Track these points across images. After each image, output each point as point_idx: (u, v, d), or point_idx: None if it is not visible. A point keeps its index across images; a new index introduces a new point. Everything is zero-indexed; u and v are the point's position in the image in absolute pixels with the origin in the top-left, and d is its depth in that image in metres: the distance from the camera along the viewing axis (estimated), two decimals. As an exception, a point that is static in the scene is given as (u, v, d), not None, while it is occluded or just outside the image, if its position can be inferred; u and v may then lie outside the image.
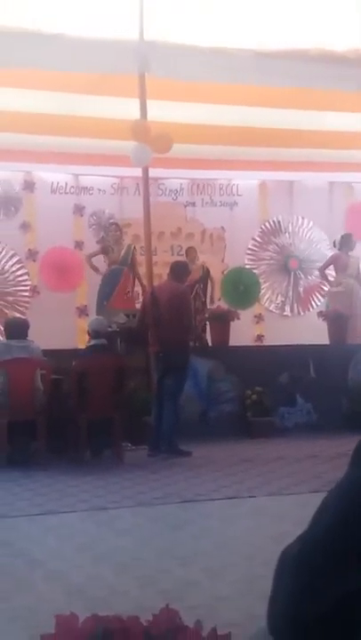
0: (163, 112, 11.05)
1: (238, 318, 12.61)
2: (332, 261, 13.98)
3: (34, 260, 14.05)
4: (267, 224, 15.49)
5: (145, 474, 8.95)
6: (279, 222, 15.53)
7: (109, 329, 10.63)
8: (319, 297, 15.32)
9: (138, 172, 11.50)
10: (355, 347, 12.70)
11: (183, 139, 11.48)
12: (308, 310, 15.32)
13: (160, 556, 5.63)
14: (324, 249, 15.06)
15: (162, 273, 12.11)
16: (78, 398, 9.62)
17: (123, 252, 13.09)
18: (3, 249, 13.87)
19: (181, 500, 7.52)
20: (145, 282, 12.00)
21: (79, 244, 14.22)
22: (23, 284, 13.99)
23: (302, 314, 15.43)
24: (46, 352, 10.05)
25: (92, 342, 10.12)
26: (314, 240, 15.54)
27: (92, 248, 13.92)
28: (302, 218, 15.58)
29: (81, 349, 11.19)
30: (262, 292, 15.00)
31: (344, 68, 11.33)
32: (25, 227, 14.02)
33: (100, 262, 13.34)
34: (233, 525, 6.63)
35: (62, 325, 13.27)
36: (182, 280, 10.65)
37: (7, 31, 10.11)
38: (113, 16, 10.57)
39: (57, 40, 10.30)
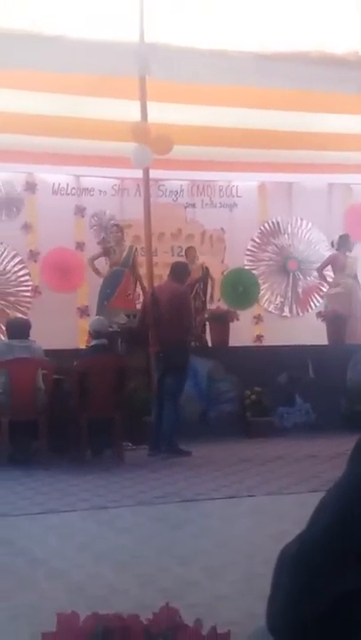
0: (163, 114, 11.06)
1: (238, 319, 12.63)
2: (330, 261, 14.01)
3: (35, 261, 14.07)
4: (266, 225, 15.50)
5: (145, 473, 8.95)
6: (278, 223, 15.55)
7: (110, 329, 10.64)
8: (318, 298, 15.31)
9: (138, 173, 11.50)
10: (353, 347, 12.72)
11: (183, 140, 11.50)
12: (307, 311, 15.33)
13: (160, 554, 5.62)
14: (322, 250, 15.06)
15: (162, 274, 12.11)
16: (79, 398, 9.62)
17: (124, 253, 13.09)
18: (4, 249, 13.88)
19: (181, 499, 7.53)
20: (145, 283, 11.99)
21: (80, 245, 14.25)
22: (25, 284, 14.01)
23: (301, 314, 15.44)
24: (48, 352, 10.05)
25: (93, 342, 10.14)
26: (313, 241, 15.55)
27: (93, 249, 13.94)
28: (301, 219, 15.59)
29: (82, 349, 11.27)
30: (261, 292, 15.02)
31: (344, 70, 11.36)
32: (26, 227, 14.04)
33: (102, 264, 13.35)
34: (232, 524, 6.63)
35: (63, 325, 13.29)
36: (182, 281, 10.66)
37: (8, 33, 10.14)
38: (113, 18, 10.60)
39: (58, 42, 10.33)
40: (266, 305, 15.43)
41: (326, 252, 14.63)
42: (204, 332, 12.84)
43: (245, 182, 15.18)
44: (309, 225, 15.60)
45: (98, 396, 9.65)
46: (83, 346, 11.88)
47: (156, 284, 11.24)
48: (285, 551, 1.44)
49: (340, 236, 13.96)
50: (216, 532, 6.38)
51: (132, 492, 7.85)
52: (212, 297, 13.77)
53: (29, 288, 14.04)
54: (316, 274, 14.67)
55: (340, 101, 11.86)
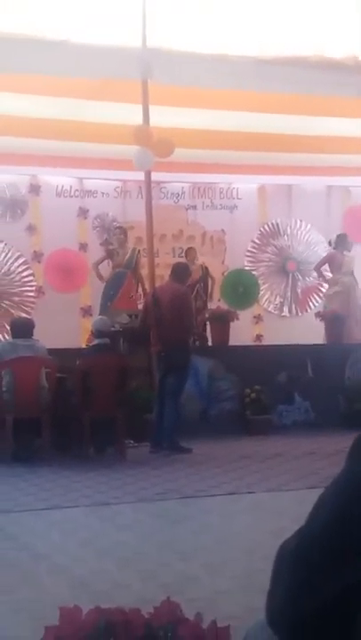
0: (165, 117, 11.08)
1: (238, 319, 12.66)
2: (328, 260, 14.04)
3: (39, 262, 14.11)
4: (266, 227, 15.55)
5: (147, 470, 8.94)
6: (278, 225, 15.60)
7: (113, 329, 10.67)
8: (317, 298, 15.35)
9: (140, 175, 11.54)
10: (352, 346, 12.74)
11: (184, 143, 11.53)
12: (306, 311, 15.37)
13: (161, 550, 5.64)
14: (321, 251, 15.08)
15: (163, 274, 12.12)
16: (82, 396, 9.64)
17: (127, 255, 13.12)
18: (9, 251, 13.93)
19: (182, 495, 7.54)
20: (147, 285, 12.01)
21: (83, 246, 14.31)
22: (29, 284, 14.06)
23: (300, 314, 15.48)
24: (51, 351, 10.05)
25: (96, 342, 10.17)
26: (312, 242, 15.59)
27: (96, 250, 13.99)
28: (300, 221, 15.63)
29: (85, 349, 11.27)
30: (261, 293, 15.04)
31: (342, 74, 11.36)
32: (31, 229, 14.08)
33: (105, 266, 13.37)
34: (232, 521, 6.63)
35: (67, 325, 13.37)
36: (183, 281, 10.67)
37: (13, 38, 10.15)
38: (116, 23, 10.59)
39: (62, 47, 10.34)
40: (265, 305, 15.48)
41: (325, 253, 14.62)
42: (205, 331, 12.85)
43: (246, 184, 15.21)
44: (308, 226, 15.64)
45: (100, 395, 9.67)
46: (85, 345, 11.94)
47: (157, 284, 11.26)
48: (285, 547, 1.46)
49: (338, 236, 13.98)
50: (216, 529, 6.40)
51: (133, 489, 7.86)
52: (211, 296, 13.81)
53: (33, 288, 14.08)
54: (315, 274, 14.71)
55: (339, 105, 11.88)
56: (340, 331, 13.04)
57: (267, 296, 15.50)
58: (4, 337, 12.59)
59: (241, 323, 13.20)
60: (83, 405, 9.63)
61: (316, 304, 15.31)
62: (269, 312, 15.56)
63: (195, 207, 15.10)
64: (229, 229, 15.25)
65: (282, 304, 15.63)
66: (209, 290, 13.80)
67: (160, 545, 5.83)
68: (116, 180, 14.38)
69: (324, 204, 15.78)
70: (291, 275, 15.66)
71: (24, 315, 13.00)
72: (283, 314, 15.63)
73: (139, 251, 13.27)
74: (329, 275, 14.04)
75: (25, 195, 14.10)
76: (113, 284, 13.04)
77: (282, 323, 15.37)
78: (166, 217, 14.11)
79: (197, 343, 12.15)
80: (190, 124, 12.07)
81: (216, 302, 13.90)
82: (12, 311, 13.69)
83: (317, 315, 13.75)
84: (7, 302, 13.93)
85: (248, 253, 15.44)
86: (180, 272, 10.63)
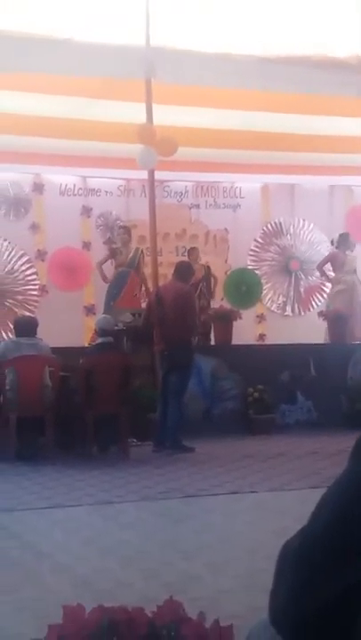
0: (168, 116, 11.03)
1: (241, 318, 12.68)
2: (330, 259, 14.06)
3: (43, 260, 14.13)
4: (269, 226, 15.56)
5: (150, 469, 8.98)
6: (281, 224, 15.61)
7: (116, 327, 10.70)
8: (320, 297, 15.38)
9: (144, 174, 11.46)
10: (354, 346, 12.77)
11: (188, 142, 11.50)
12: (309, 310, 15.39)
13: (164, 549, 5.67)
14: (324, 250, 15.07)
15: (167, 273, 12.14)
16: (86, 395, 9.67)
17: (130, 254, 13.14)
18: (13, 249, 13.94)
19: (185, 494, 7.57)
20: (149, 284, 12.00)
21: (87, 245, 14.30)
22: (32, 283, 14.08)
23: (303, 314, 15.49)
24: (54, 350, 10.08)
25: (100, 340, 10.21)
26: (315, 242, 15.60)
27: (100, 248, 14.00)
28: (303, 220, 15.65)
29: (88, 347, 11.29)
30: (264, 292, 15.06)
31: (345, 73, 11.31)
32: (34, 227, 14.10)
33: (109, 267, 13.38)
34: (235, 520, 6.66)
35: (70, 324, 13.37)
36: (187, 280, 10.70)
37: (16, 36, 10.09)
38: (120, 22, 10.52)
39: (65, 45, 10.30)
40: (268, 304, 15.49)
41: (327, 253, 14.62)
42: (209, 331, 12.84)
43: (249, 184, 15.22)
44: (311, 226, 15.64)
45: (104, 393, 9.70)
46: (88, 344, 11.94)
47: (160, 283, 11.18)
48: (287, 546, 1.46)
49: (341, 235, 14.01)
50: (219, 528, 6.43)
51: (136, 488, 7.90)
52: (213, 293, 13.84)
53: (37, 287, 14.10)
54: (317, 273, 14.73)
55: (342, 104, 11.84)
56: (342, 330, 13.04)
57: (270, 295, 15.50)
58: (7, 336, 12.65)
59: (244, 322, 13.18)
60: (86, 404, 9.65)
61: (319, 303, 15.33)
62: (272, 311, 15.57)
63: (198, 206, 15.10)
64: (232, 228, 15.24)
65: (285, 303, 15.64)
66: (212, 289, 13.80)
67: (163, 544, 5.86)
68: (120, 178, 14.39)
69: (327, 204, 15.78)
70: (294, 274, 15.67)
71: (27, 313, 12.99)
72: (286, 313, 15.63)
73: (142, 251, 13.28)
74: (332, 274, 14.06)
75: (28, 193, 14.11)
76: (116, 284, 13.06)
77: (285, 322, 15.37)
78: (170, 216, 14.09)
79: (200, 342, 12.13)
80: (194, 123, 12.04)
81: (219, 301, 13.93)
82: (16, 310, 13.71)
83: (320, 314, 13.76)
84: (11, 301, 13.94)
85: (251, 252, 15.44)
86: (183, 271, 10.67)
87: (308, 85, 11.39)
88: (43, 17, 10.34)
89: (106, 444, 9.98)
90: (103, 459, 9.73)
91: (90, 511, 6.99)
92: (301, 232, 15.71)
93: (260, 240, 15.54)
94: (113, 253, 13.37)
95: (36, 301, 14.03)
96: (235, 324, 12.51)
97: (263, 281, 14.94)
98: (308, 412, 12.04)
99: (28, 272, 14.09)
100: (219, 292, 14.16)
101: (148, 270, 12.48)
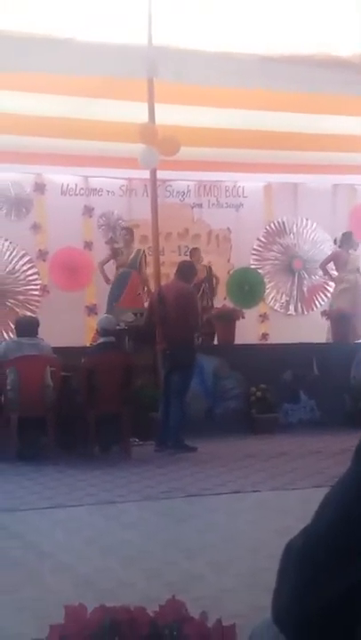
0: (170, 115, 11.05)
1: (243, 317, 12.67)
2: (333, 258, 14.08)
3: (44, 260, 14.15)
4: (272, 225, 15.58)
5: (152, 468, 8.99)
6: (284, 223, 15.64)
7: (118, 327, 10.70)
8: (323, 296, 15.40)
9: (146, 174, 11.51)
10: (357, 345, 12.79)
11: (190, 141, 11.52)
12: (312, 309, 15.43)
13: (166, 548, 5.68)
14: (327, 249, 15.09)
15: (169, 273, 12.14)
16: (87, 394, 9.68)
17: (132, 255, 13.16)
18: (14, 249, 13.97)
19: (187, 494, 7.58)
20: (151, 285, 12.07)
21: (88, 245, 14.33)
22: (34, 283, 14.11)
23: (306, 313, 15.53)
24: (56, 349, 10.08)
25: (101, 340, 10.20)
26: (318, 241, 15.63)
27: (101, 248, 14.03)
28: (306, 219, 15.68)
29: (90, 347, 11.30)
30: (267, 291, 15.04)
31: (348, 72, 11.33)
32: (36, 227, 14.12)
33: (110, 267, 13.41)
34: (237, 519, 6.66)
35: (72, 324, 13.39)
36: (189, 280, 10.69)
37: (18, 36, 10.12)
38: (122, 21, 10.54)
39: (67, 45, 10.33)
40: (271, 303, 15.52)
41: (331, 252, 14.63)
42: (214, 331, 12.85)
43: (251, 183, 15.23)
44: (314, 225, 15.67)
45: (105, 393, 9.70)
46: (90, 344, 11.94)
47: (162, 283, 11.23)
48: (291, 545, 1.46)
49: (343, 234, 14.02)
50: (221, 527, 6.43)
51: (138, 487, 7.90)
52: (214, 294, 13.86)
53: (38, 287, 14.13)
54: (320, 272, 14.73)
55: (345, 103, 11.89)
56: (346, 329, 13.04)
57: (273, 294, 15.53)
58: (9, 335, 12.66)
59: (247, 321, 13.21)
60: (88, 404, 9.66)
61: (323, 302, 15.35)
62: (275, 310, 15.60)
63: (200, 205, 15.13)
64: (235, 228, 15.27)
65: (288, 302, 15.67)
66: (214, 289, 13.82)
67: (165, 543, 5.87)
68: (122, 178, 14.40)
69: (331, 203, 15.80)
70: (297, 273, 15.70)
71: (29, 313, 13.00)
72: (289, 312, 15.66)
73: (143, 251, 13.31)
74: (335, 273, 14.07)
75: (30, 193, 14.13)
76: (118, 284, 13.09)
77: (288, 321, 15.40)
78: (172, 215, 14.10)
79: (204, 342, 12.20)
80: (196, 122, 12.07)
81: (222, 301, 13.94)
82: (17, 310, 13.73)
83: (323, 313, 13.78)
84: (12, 301, 13.97)
85: (254, 252, 15.46)
86: (185, 271, 10.67)
87: (310, 84, 11.41)
88: (44, 17, 10.38)
89: (108, 443, 9.99)
90: (105, 458, 9.73)
91: (92, 511, 6.99)
92: (304, 231, 15.73)
93: (262, 239, 15.55)
94: (114, 254, 13.40)
95: (38, 301, 14.06)
96: (237, 323, 12.50)
97: (266, 280, 14.93)
98: (311, 412, 12.04)
99: (30, 272, 14.11)
100: (221, 291, 14.17)
101: (150, 270, 12.50)
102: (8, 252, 13.98)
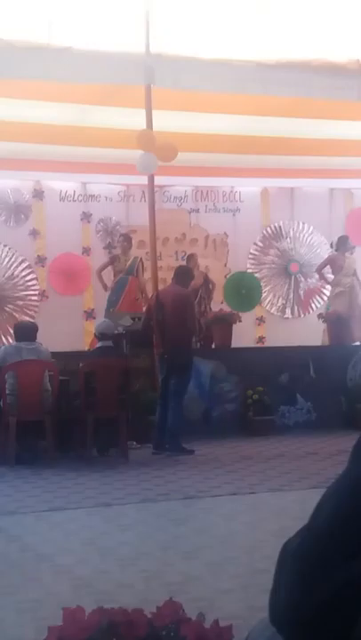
0: (168, 122, 11.09)
1: (240, 320, 12.76)
2: (329, 262, 14.08)
3: (43, 266, 14.19)
4: (268, 229, 15.61)
5: (149, 471, 9.03)
6: (280, 227, 15.66)
7: (116, 331, 10.73)
8: (319, 299, 15.45)
9: (143, 179, 11.53)
10: (354, 347, 12.84)
11: (187, 147, 11.53)
12: (308, 313, 15.45)
13: (164, 550, 5.73)
14: (323, 253, 15.13)
15: (166, 277, 12.18)
16: (85, 398, 9.71)
17: (129, 262, 13.21)
18: (13, 255, 14.01)
19: (184, 496, 7.63)
20: (148, 291, 12.11)
21: (86, 250, 14.37)
22: (32, 288, 14.14)
23: (302, 316, 15.56)
24: (54, 354, 10.15)
25: (99, 344, 10.24)
26: (314, 245, 15.67)
27: (99, 254, 14.09)
28: (303, 223, 15.70)
29: (88, 351, 11.35)
30: (264, 295, 15.13)
31: (344, 78, 11.41)
32: (34, 233, 14.16)
33: (108, 274, 13.45)
34: (234, 521, 6.70)
35: (70, 328, 13.46)
36: (186, 284, 10.76)
37: (19, 45, 10.19)
38: (120, 30, 10.59)
39: (66, 53, 10.37)
40: (268, 307, 15.55)
41: (327, 255, 14.63)
42: (212, 335, 12.84)
43: (248, 187, 15.26)
44: (311, 229, 15.70)
45: (104, 397, 9.74)
46: (88, 349, 11.96)
47: (160, 287, 11.23)
48: (288, 545, 1.45)
49: (339, 238, 14.05)
50: (218, 528, 6.48)
51: (136, 490, 7.95)
52: (210, 299, 13.87)
53: (37, 292, 14.16)
54: (317, 276, 14.74)
55: (341, 108, 11.95)
56: (342, 332, 13.10)
57: (269, 298, 15.57)
58: (7, 340, 12.70)
59: (244, 324, 13.27)
60: (86, 407, 9.69)
61: (319, 305, 15.40)
62: (272, 314, 15.62)
63: (197, 210, 15.16)
64: (232, 232, 15.29)
65: (284, 306, 15.69)
66: (210, 294, 13.86)
67: (163, 545, 5.91)
68: (120, 184, 14.44)
69: (327, 207, 15.83)
70: (293, 277, 15.72)
71: (28, 318, 13.06)
72: (285, 316, 15.68)
73: (140, 259, 13.33)
74: (331, 276, 14.09)
75: (29, 199, 14.16)
76: (116, 290, 13.13)
77: (284, 324, 15.44)
78: (169, 220, 14.15)
79: (199, 345, 12.22)
80: (193, 128, 12.08)
81: (219, 305, 13.96)
82: (16, 315, 13.77)
83: (320, 316, 13.82)
84: (11, 306, 14.01)
85: (251, 256, 15.49)
86: (182, 275, 10.74)
87: (307, 90, 11.48)
88: (43, 25, 10.39)
89: (106, 446, 10.04)
90: (103, 461, 9.77)
91: (90, 513, 7.02)
92: (301, 235, 15.75)
93: (259, 243, 15.59)
94: (112, 260, 13.45)
95: (36, 306, 14.09)
96: (235, 326, 12.55)
97: (263, 284, 14.99)
98: (308, 414, 12.08)
99: (28, 277, 14.15)
100: (217, 296, 14.17)
101: (147, 275, 12.52)
102: (7, 258, 14.01)
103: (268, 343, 14.83)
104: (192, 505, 7.36)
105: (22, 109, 11.35)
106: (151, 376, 11.02)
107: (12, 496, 7.80)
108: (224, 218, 15.24)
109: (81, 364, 10.00)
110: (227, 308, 13.58)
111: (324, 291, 14.99)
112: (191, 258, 13.82)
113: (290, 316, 15.68)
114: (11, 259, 14.05)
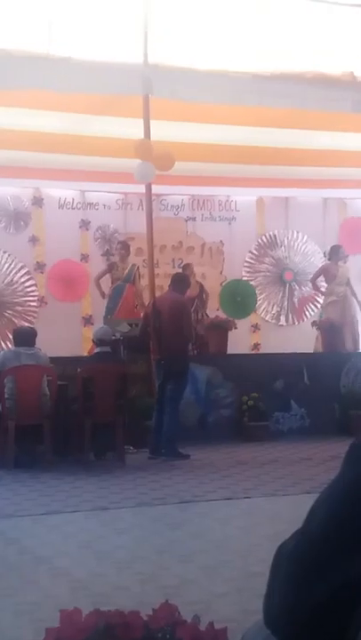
0: (165, 132, 11.13)
1: (236, 327, 12.80)
2: (322, 272, 14.12)
3: (42, 272, 14.23)
4: (263, 238, 15.66)
5: (146, 475, 9.07)
6: (275, 236, 15.72)
7: (114, 337, 10.79)
8: (313, 307, 15.49)
9: (141, 188, 11.59)
10: (347, 355, 12.90)
11: (184, 157, 11.58)
12: (303, 320, 15.51)
13: (160, 554, 5.79)
14: (317, 262, 15.20)
15: (163, 284, 12.23)
16: (83, 403, 9.77)
17: (127, 270, 13.27)
18: (12, 261, 14.06)
19: (180, 500, 7.68)
20: (145, 298, 12.19)
21: (85, 257, 14.43)
22: (31, 294, 14.18)
23: (297, 324, 15.62)
24: (53, 359, 10.20)
25: (97, 350, 10.32)
26: (308, 253, 15.73)
27: (98, 261, 14.14)
28: (297, 232, 15.76)
29: (86, 357, 11.41)
30: (259, 302, 15.13)
31: (338, 90, 11.44)
32: (34, 240, 14.21)
33: (105, 281, 13.50)
34: (229, 525, 6.75)
35: (68, 334, 13.53)
36: (183, 291, 10.81)
37: (18, 55, 10.20)
38: (118, 40, 10.62)
39: (65, 63, 10.38)
40: (263, 314, 15.59)
41: (321, 264, 14.74)
42: (206, 341, 12.88)
43: (244, 197, 15.32)
44: (305, 238, 15.76)
45: (101, 402, 9.80)
46: (86, 354, 12.05)
47: (157, 294, 11.31)
48: (282, 549, 1.45)
49: (332, 247, 14.08)
50: (213, 532, 6.54)
51: (133, 494, 7.99)
52: (206, 307, 13.95)
53: (36, 298, 14.20)
54: (311, 286, 14.78)
55: (335, 120, 12.00)
56: (335, 340, 13.19)
57: (264, 306, 15.61)
58: (7, 346, 12.75)
59: (239, 332, 13.32)
60: (84, 412, 9.75)
61: (313, 313, 15.45)
62: (266, 321, 15.66)
63: (194, 219, 15.21)
64: (228, 240, 15.34)
65: (279, 313, 15.74)
66: (205, 303, 13.94)
67: (159, 549, 5.97)
68: (118, 192, 14.48)
69: (321, 216, 15.89)
70: (288, 285, 15.77)
71: (27, 324, 13.07)
72: (280, 323, 15.72)
73: (137, 267, 13.41)
74: (325, 285, 14.13)
75: (28, 207, 14.20)
76: (113, 297, 13.20)
77: (279, 332, 15.49)
78: (166, 228, 14.23)
79: (195, 352, 12.26)
80: (190, 138, 12.13)
81: (215, 311, 14.01)
82: (15, 320, 13.82)
83: (313, 324, 13.90)
84: (10, 312, 14.05)
85: (246, 264, 15.54)
86: (179, 282, 10.81)
87: (302, 101, 11.51)
88: (42, 36, 10.43)
89: (103, 451, 10.08)
90: (100, 466, 9.78)
91: (87, 517, 7.07)
92: (295, 244, 15.80)
93: (254, 252, 15.64)
94: (110, 268, 13.51)
95: (35, 312, 14.12)
96: (230, 333, 12.61)
97: (258, 291, 15.00)
98: (302, 420, 12.12)
99: (28, 284, 14.19)
100: (212, 304, 14.21)
101: (144, 282, 12.58)
102: (7, 265, 14.07)
103: (263, 350, 14.89)
104: (187, 509, 7.40)
105: (22, 118, 11.39)
106: (148, 382, 11.05)
107: (11, 499, 7.83)
108: (220, 226, 15.28)
109: (79, 370, 10.07)
110: (222, 315, 13.60)
111: (318, 299, 15.02)
112: (187, 267, 13.86)
113: (284, 324, 15.72)
114: (10, 265, 14.10)
